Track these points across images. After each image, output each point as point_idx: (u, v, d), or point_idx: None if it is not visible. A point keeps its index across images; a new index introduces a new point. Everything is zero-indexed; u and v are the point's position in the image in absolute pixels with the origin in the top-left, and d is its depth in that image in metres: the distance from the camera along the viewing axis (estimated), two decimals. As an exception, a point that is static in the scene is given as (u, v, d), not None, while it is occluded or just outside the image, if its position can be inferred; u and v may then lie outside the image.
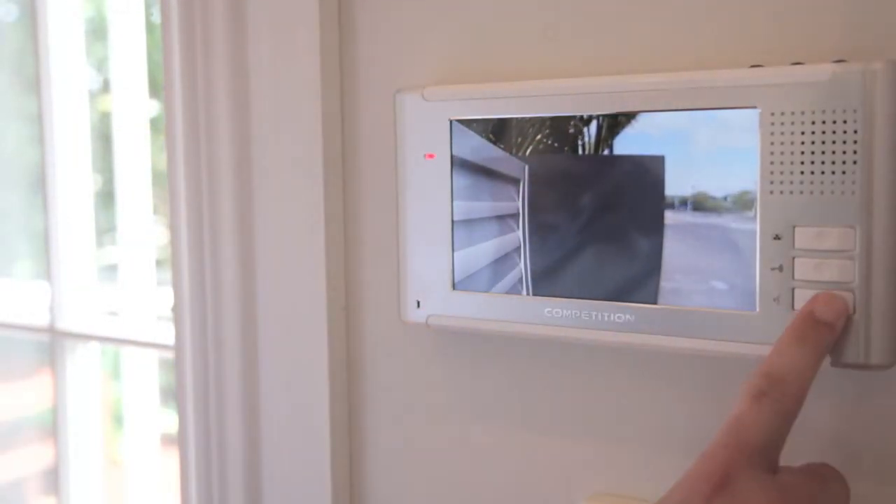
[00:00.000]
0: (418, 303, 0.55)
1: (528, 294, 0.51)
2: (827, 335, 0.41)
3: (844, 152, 0.42)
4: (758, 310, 0.45)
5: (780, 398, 0.38)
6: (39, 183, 0.98)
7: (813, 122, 0.43)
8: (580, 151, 0.49)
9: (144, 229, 1.00)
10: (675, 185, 0.46)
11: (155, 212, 1.01)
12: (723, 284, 0.46)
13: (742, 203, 0.45)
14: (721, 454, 0.37)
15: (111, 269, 1.04)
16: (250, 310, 0.64)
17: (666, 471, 0.52)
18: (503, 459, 0.57)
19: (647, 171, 0.47)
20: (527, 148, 0.51)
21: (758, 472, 0.37)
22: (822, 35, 0.45)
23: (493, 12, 0.55)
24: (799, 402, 0.39)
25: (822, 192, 0.43)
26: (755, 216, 0.44)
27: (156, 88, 0.99)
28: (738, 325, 0.45)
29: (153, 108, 1.01)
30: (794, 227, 0.43)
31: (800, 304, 0.44)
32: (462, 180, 0.53)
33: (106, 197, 1.02)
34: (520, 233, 0.52)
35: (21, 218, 1.11)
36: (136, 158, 1.00)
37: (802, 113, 0.43)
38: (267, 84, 0.62)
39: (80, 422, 1.01)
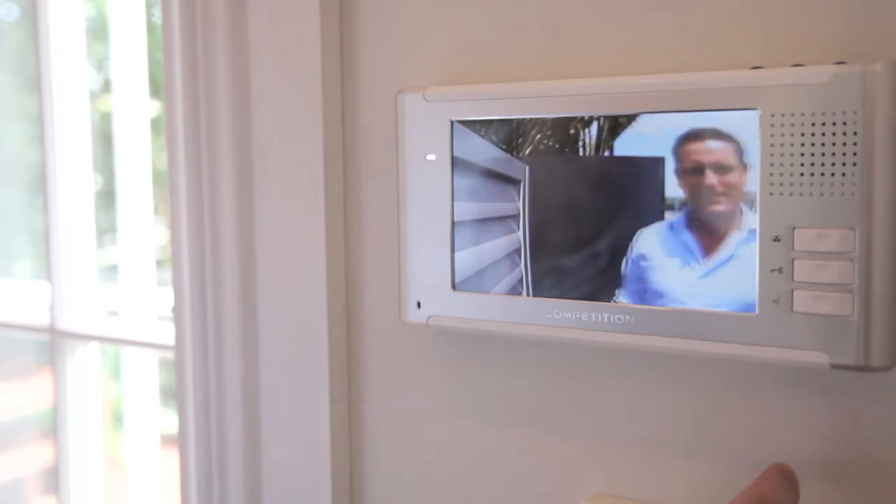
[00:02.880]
0: (419, 303, 0.55)
1: (528, 295, 0.51)
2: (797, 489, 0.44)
3: (844, 154, 0.42)
4: (757, 311, 0.45)
5: None
6: (40, 183, 0.98)
7: (813, 124, 0.43)
8: (581, 152, 0.49)
9: (145, 229, 1.00)
10: (675, 186, 0.46)
11: (155, 212, 1.01)
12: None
13: (742, 204, 0.45)
14: None
15: (111, 269, 1.04)
16: (250, 310, 0.64)
17: (666, 471, 0.52)
18: (503, 459, 0.57)
19: (648, 173, 0.47)
20: (527, 149, 0.51)
21: None
22: (822, 37, 0.45)
23: (494, 13, 0.55)
24: None
25: (821, 194, 0.43)
26: (755, 217, 0.44)
27: (156, 88, 0.99)
28: (738, 326, 0.45)
29: (154, 108, 1.01)
30: (793, 229, 0.43)
31: (799, 305, 0.44)
32: (463, 181, 0.53)
33: (106, 197, 1.02)
34: (520, 233, 0.52)
35: (21, 218, 1.11)
36: (137, 158, 1.00)
37: (802, 114, 0.43)
38: (268, 84, 0.62)
39: (80, 422, 1.01)
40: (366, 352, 0.62)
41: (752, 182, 0.44)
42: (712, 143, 0.45)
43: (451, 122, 0.53)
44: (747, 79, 0.44)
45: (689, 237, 0.46)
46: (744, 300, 0.45)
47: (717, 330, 0.46)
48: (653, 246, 0.48)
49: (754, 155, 0.44)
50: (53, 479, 1.02)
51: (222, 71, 0.63)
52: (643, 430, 0.52)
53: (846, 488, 0.47)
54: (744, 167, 0.44)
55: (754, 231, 0.44)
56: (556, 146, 0.50)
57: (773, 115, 0.43)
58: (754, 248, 0.44)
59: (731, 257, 0.45)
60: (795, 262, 0.44)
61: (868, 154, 0.42)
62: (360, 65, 0.60)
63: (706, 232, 0.46)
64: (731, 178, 0.45)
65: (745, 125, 0.44)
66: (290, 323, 0.63)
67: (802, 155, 0.43)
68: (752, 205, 0.44)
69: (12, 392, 1.14)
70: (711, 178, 0.45)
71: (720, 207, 0.45)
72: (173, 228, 0.68)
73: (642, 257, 0.48)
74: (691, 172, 0.46)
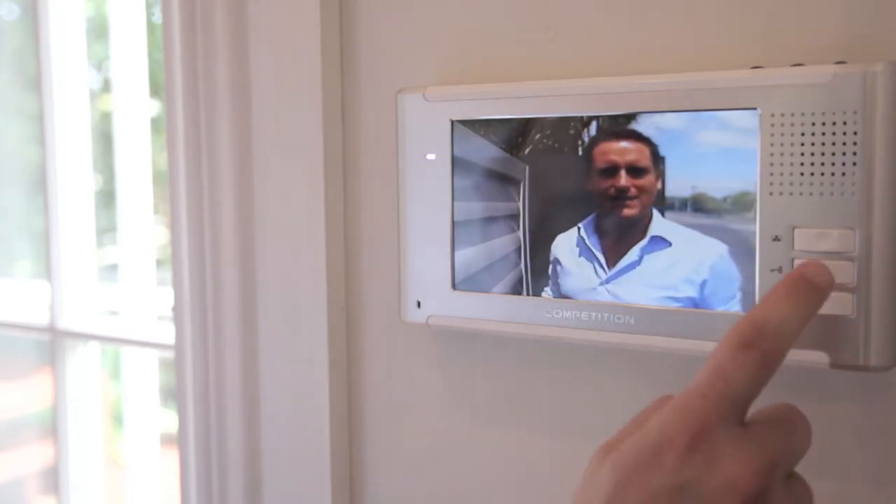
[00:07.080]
0: (419, 303, 0.55)
1: (528, 294, 0.51)
2: (818, 298, 0.39)
3: (844, 154, 0.42)
4: (758, 311, 0.45)
5: (767, 352, 0.36)
6: (40, 182, 0.98)
7: (813, 124, 0.43)
8: (580, 152, 0.49)
9: (145, 229, 1.00)
10: (675, 185, 0.46)
11: (155, 211, 1.01)
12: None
13: (742, 204, 0.45)
14: (699, 405, 0.36)
15: (111, 269, 1.04)
16: (250, 310, 0.64)
17: (665, 471, 0.52)
18: (503, 459, 0.57)
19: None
20: (527, 148, 0.51)
21: (732, 426, 0.36)
22: (822, 36, 0.45)
23: (494, 13, 0.55)
24: (782, 358, 0.37)
25: (821, 194, 0.43)
26: (755, 217, 0.44)
27: (156, 88, 0.99)
28: (738, 326, 0.45)
29: (154, 107, 1.01)
30: (793, 229, 0.43)
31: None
32: (463, 181, 0.53)
33: (106, 196, 1.02)
34: (520, 233, 0.52)
35: (21, 217, 1.11)
36: (137, 158, 1.00)
37: (803, 114, 0.43)
38: (268, 84, 0.62)
39: (80, 421, 1.01)
40: (366, 351, 0.62)
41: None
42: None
43: (452, 122, 0.53)
44: (747, 79, 0.44)
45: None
46: (744, 300, 0.45)
47: (718, 330, 0.46)
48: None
49: (753, 157, 0.44)
50: (53, 478, 1.02)
51: (222, 71, 0.63)
52: (643, 429, 0.52)
53: (846, 488, 0.47)
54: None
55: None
56: (556, 146, 0.50)
57: (773, 115, 0.43)
58: (754, 248, 0.44)
59: (730, 257, 0.45)
60: (795, 262, 0.44)
61: (868, 154, 0.42)
62: (360, 65, 0.60)
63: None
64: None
65: (745, 125, 0.44)
66: (289, 323, 0.63)
67: (802, 155, 0.43)
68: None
69: (12, 392, 1.14)
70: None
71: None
72: (173, 228, 0.68)
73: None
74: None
